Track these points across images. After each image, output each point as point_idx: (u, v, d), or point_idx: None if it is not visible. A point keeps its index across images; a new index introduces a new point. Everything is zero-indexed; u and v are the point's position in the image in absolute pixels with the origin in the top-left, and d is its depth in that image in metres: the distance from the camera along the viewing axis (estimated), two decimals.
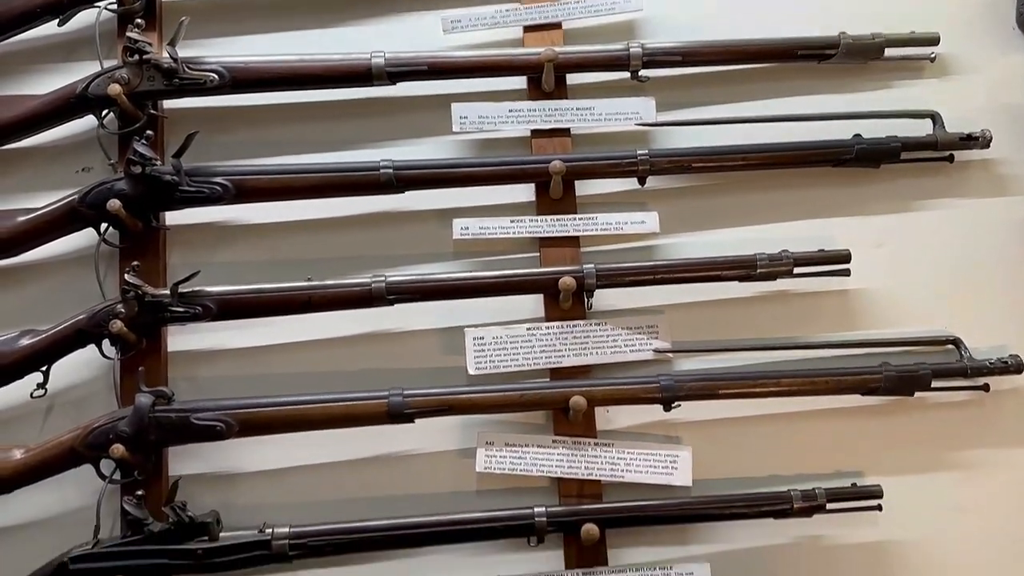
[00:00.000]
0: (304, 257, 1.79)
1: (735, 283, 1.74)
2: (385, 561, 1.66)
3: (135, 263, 1.66)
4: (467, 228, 1.78)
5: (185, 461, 1.69)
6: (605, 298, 1.75)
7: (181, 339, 1.75)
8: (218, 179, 1.70)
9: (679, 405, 1.67)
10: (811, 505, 1.63)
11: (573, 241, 1.78)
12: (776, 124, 1.83)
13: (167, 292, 1.65)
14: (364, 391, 1.63)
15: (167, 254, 1.78)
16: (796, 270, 1.72)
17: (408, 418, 1.62)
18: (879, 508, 1.65)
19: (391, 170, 1.72)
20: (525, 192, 1.83)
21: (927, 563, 1.71)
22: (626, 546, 1.67)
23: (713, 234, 1.84)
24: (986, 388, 1.73)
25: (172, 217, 1.78)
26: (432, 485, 1.70)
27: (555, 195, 1.79)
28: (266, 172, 1.72)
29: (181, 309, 1.64)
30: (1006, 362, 1.72)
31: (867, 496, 1.65)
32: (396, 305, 1.69)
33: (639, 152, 1.76)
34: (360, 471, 1.71)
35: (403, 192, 1.75)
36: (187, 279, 1.63)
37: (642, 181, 1.79)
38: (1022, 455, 1.75)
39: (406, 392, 1.62)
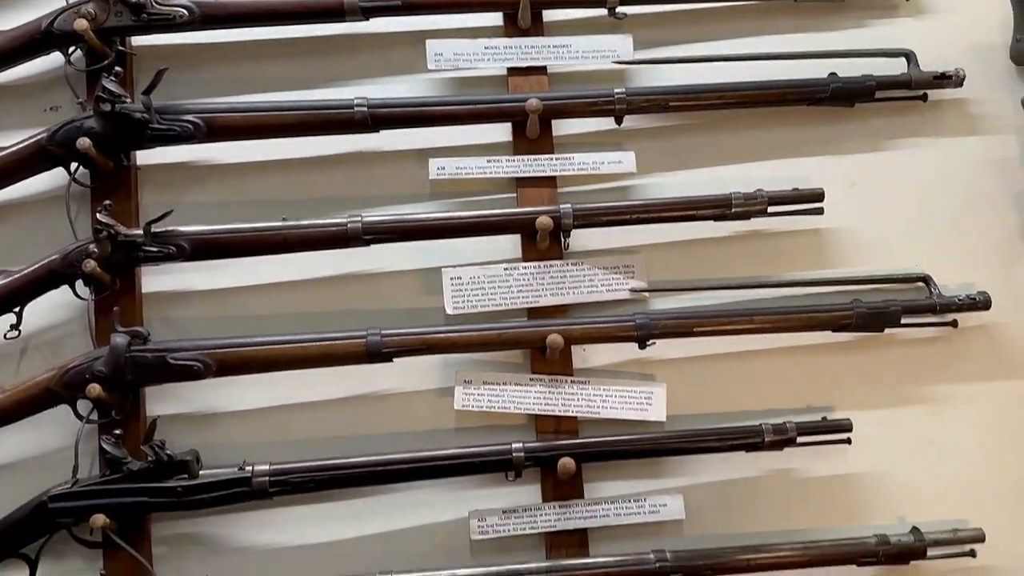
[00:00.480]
0: (279, 197, 1.77)
1: (710, 223, 1.75)
2: (365, 497, 1.68)
3: (107, 202, 1.64)
4: (443, 168, 1.77)
5: (163, 402, 1.69)
6: (582, 238, 1.75)
7: (155, 280, 1.74)
8: (189, 117, 1.67)
9: (654, 343, 1.69)
10: (782, 438, 1.66)
11: (550, 181, 1.78)
12: (752, 63, 1.83)
13: (140, 232, 1.63)
14: (342, 331, 1.63)
15: (139, 194, 1.76)
16: (770, 209, 1.73)
17: (386, 357, 1.63)
18: (848, 441, 1.69)
19: (366, 108, 1.70)
20: (502, 132, 1.81)
21: (895, 495, 1.75)
22: (602, 480, 1.70)
23: (689, 174, 1.84)
24: (954, 324, 1.76)
25: (143, 156, 1.76)
26: (411, 423, 1.72)
27: (532, 134, 1.78)
28: (238, 110, 1.70)
29: (155, 249, 1.63)
30: (974, 299, 1.75)
31: (837, 430, 1.69)
32: (373, 245, 1.68)
33: (616, 91, 1.75)
34: (340, 410, 1.72)
35: (378, 131, 1.73)
36: (160, 218, 1.61)
37: (619, 120, 1.79)
38: (988, 389, 1.79)
39: (384, 331, 1.63)
